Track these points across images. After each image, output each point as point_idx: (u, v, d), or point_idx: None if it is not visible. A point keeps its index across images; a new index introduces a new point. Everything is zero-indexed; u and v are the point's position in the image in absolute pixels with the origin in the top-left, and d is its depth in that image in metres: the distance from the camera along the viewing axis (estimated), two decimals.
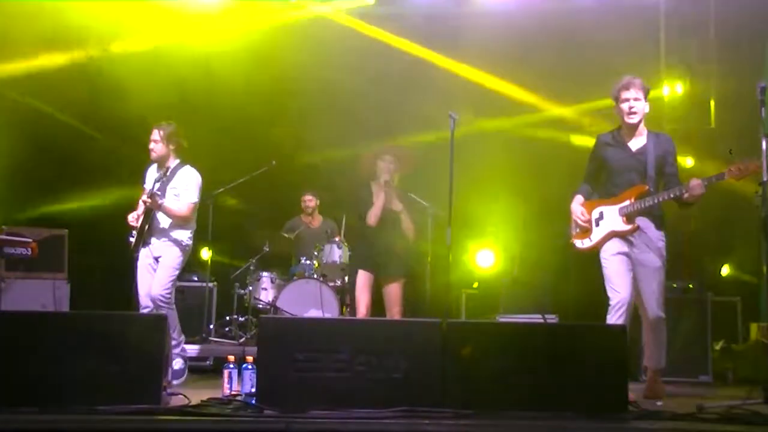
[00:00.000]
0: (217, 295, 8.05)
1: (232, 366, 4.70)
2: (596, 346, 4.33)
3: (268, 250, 8.18)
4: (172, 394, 4.50)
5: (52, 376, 4.08)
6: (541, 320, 6.87)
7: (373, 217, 6.55)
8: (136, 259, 5.94)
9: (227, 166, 7.72)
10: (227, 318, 8.20)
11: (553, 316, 7.01)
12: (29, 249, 6.01)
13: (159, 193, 5.79)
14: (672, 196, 5.06)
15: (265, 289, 8.02)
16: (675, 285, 6.83)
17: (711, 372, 6.61)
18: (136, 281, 5.94)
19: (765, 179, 4.73)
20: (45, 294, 7.01)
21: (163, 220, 5.86)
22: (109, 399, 3.97)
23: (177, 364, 5.84)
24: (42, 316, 4.92)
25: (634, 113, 5.19)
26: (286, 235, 8.20)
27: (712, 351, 6.69)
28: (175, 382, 5.66)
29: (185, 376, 5.89)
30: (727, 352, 6.83)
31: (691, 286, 6.91)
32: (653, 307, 5.17)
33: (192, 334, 7.32)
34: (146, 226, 5.83)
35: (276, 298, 7.70)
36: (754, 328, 6.93)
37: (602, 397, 4.18)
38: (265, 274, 8.07)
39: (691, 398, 5.29)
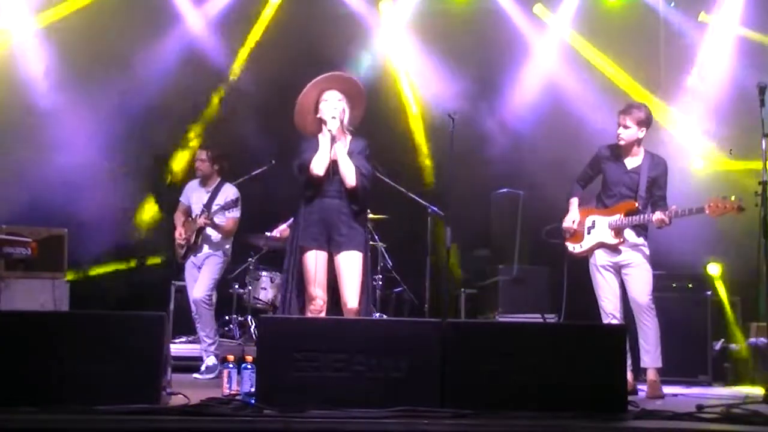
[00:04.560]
0: (217, 295, 8.03)
1: (231, 366, 4.70)
2: (596, 346, 4.33)
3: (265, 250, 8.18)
4: (172, 393, 4.50)
5: (52, 376, 4.06)
6: (541, 320, 6.87)
7: (318, 165, 5.04)
8: (183, 267, 6.62)
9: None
10: (226, 317, 8.19)
11: (553, 316, 7.01)
12: (29, 249, 6.03)
13: (212, 212, 6.39)
14: (646, 220, 5.49)
15: (265, 288, 8.01)
16: (675, 285, 6.84)
17: (711, 372, 6.61)
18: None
19: (765, 179, 4.85)
20: (45, 294, 7.01)
21: (211, 234, 6.48)
22: (109, 399, 3.95)
23: (210, 360, 6.30)
24: (42, 316, 4.92)
25: (620, 138, 5.63)
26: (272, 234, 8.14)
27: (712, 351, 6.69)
28: (209, 376, 6.17)
29: (217, 371, 6.18)
30: (727, 353, 6.84)
31: (690, 286, 6.91)
32: (639, 294, 5.54)
33: (191, 333, 7.32)
34: (197, 241, 6.45)
35: (275, 297, 7.69)
36: (754, 328, 6.94)
37: (602, 397, 4.18)
38: (264, 273, 8.06)
39: (691, 398, 5.30)
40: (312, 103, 5.23)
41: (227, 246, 6.58)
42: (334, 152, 5.10)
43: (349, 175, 5.11)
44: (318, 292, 5.10)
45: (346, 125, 5.23)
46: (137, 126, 8.36)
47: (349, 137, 5.26)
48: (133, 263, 8.73)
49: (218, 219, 6.45)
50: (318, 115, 5.19)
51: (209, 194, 6.56)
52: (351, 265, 5.11)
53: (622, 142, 5.63)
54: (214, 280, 6.50)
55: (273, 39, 8.68)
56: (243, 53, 8.77)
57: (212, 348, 6.39)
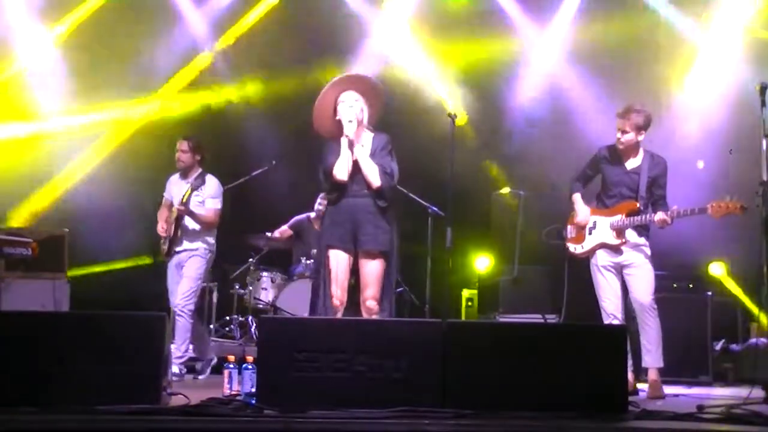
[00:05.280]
0: (218, 295, 8.05)
1: (232, 366, 4.70)
2: (596, 346, 4.32)
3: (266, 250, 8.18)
4: (172, 394, 4.49)
5: (52, 376, 4.06)
6: (541, 320, 6.87)
7: (340, 170, 5.09)
8: (167, 264, 6.34)
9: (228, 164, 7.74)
10: (227, 318, 8.20)
11: (553, 316, 7.00)
12: (29, 249, 6.03)
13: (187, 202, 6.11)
14: (648, 221, 5.48)
15: (265, 289, 8.01)
16: (675, 285, 6.83)
17: (711, 372, 6.60)
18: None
19: (765, 179, 4.86)
20: (45, 294, 7.00)
21: (191, 227, 6.21)
22: (109, 399, 3.96)
23: (174, 368, 5.87)
24: (42, 316, 4.91)
25: (620, 142, 5.60)
26: (272, 235, 8.12)
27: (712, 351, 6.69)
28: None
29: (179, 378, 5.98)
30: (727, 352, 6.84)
31: (691, 286, 6.91)
32: (642, 294, 5.51)
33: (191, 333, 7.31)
34: (178, 233, 6.20)
35: (276, 298, 7.70)
36: (754, 328, 6.94)
37: (602, 397, 4.18)
38: (265, 274, 8.07)
39: (692, 399, 5.30)
40: (330, 106, 5.23)
41: (210, 240, 6.30)
42: (355, 155, 5.13)
43: (373, 176, 5.14)
44: (336, 291, 5.13)
45: (365, 124, 5.26)
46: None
47: (371, 135, 5.28)
48: (134, 262, 8.72)
49: (197, 208, 6.19)
50: (337, 117, 5.20)
51: (190, 185, 6.26)
52: (374, 264, 5.15)
53: (621, 146, 5.63)
54: (197, 285, 6.23)
55: (274, 39, 8.69)
56: (231, 35, 8.86)
57: (178, 361, 6.07)
